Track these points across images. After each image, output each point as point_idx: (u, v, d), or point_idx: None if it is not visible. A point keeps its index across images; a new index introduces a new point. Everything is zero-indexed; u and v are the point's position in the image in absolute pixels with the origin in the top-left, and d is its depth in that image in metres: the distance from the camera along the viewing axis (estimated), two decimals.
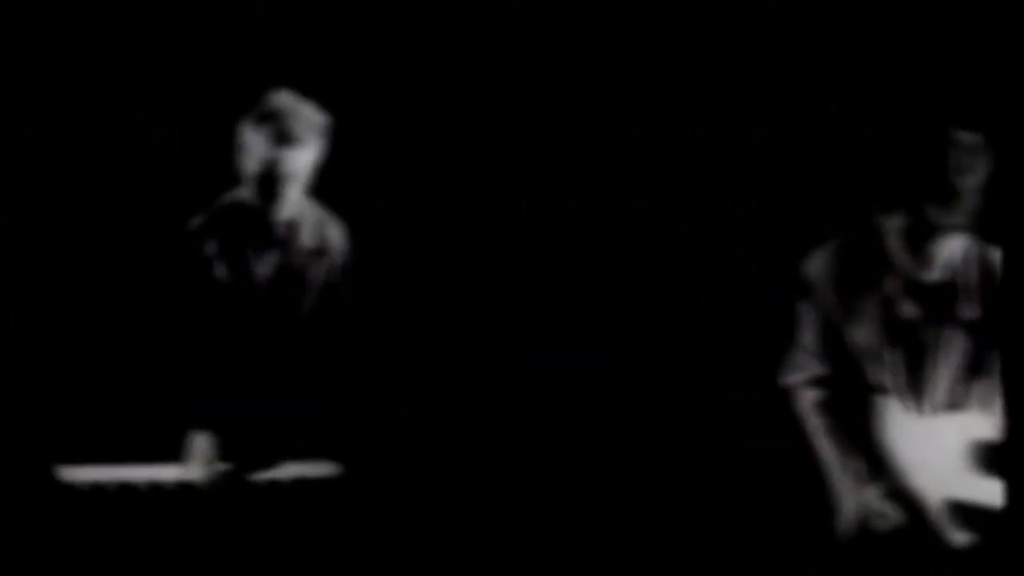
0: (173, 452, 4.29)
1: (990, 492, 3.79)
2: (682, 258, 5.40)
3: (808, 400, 4.03)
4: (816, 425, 4.01)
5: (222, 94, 5.23)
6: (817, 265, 4.02)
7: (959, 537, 3.84)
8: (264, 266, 4.39)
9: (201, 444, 4.29)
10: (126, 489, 4.10)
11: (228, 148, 5.24)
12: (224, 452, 4.29)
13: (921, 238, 3.87)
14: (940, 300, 3.90)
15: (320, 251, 4.43)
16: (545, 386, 5.29)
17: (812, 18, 5.35)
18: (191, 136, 5.24)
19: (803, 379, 4.04)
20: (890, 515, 3.89)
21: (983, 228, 3.98)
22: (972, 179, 3.88)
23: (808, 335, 4.03)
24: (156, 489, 4.12)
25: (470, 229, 5.18)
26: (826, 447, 4.00)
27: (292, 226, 4.40)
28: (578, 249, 5.40)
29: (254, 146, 4.31)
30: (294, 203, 4.37)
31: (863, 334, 3.94)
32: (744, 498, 5.20)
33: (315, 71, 4.97)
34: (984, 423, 3.92)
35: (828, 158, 5.37)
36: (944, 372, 3.89)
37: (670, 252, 5.39)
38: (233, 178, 5.21)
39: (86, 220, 5.20)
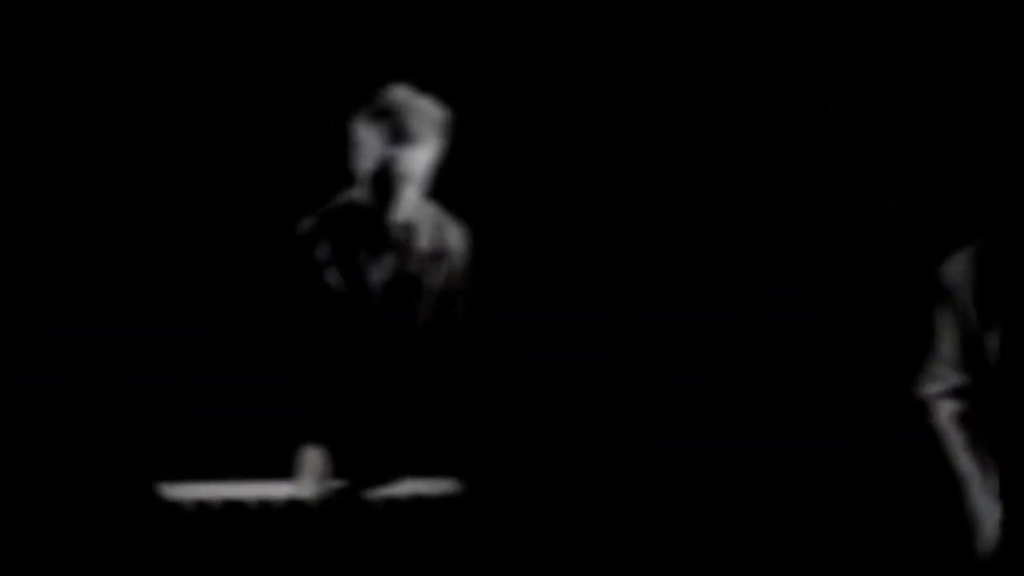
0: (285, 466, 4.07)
1: None
2: (682, 258, 5.39)
3: (947, 412, 3.79)
4: (955, 439, 3.78)
5: (220, 92, 5.24)
6: (955, 271, 3.76)
7: None
8: (379, 271, 4.16)
9: (313, 459, 4.04)
10: (233, 507, 3.79)
11: (229, 147, 5.26)
12: (337, 468, 4.04)
13: None
14: None
15: (439, 255, 4.20)
16: (545, 386, 5.29)
17: (812, 18, 5.35)
18: (191, 134, 5.25)
19: (941, 390, 3.81)
20: None
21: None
22: None
23: (946, 344, 3.79)
24: (265, 507, 3.81)
25: (470, 229, 5.16)
26: (965, 462, 3.76)
27: (409, 229, 4.16)
28: (578, 249, 5.40)
29: (369, 144, 4.08)
30: (411, 204, 4.13)
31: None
32: (745, 498, 5.21)
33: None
34: None
35: (828, 158, 5.37)
36: None
37: (670, 252, 5.39)
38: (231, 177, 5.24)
39: (87, 220, 5.20)
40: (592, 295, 5.40)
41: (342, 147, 5.21)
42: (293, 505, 3.86)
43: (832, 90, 5.34)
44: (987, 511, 3.73)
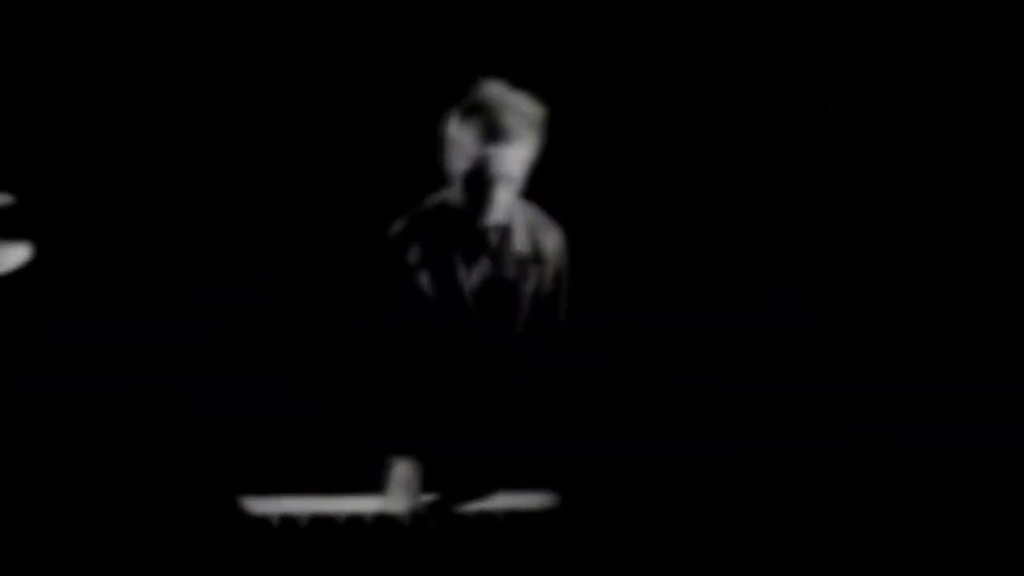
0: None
1: None
2: (682, 258, 5.39)
3: None
4: None
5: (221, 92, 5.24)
6: None
7: None
8: (473, 276, 3.98)
9: (403, 472, 3.91)
10: (320, 522, 3.67)
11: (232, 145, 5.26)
12: (429, 481, 3.92)
13: None
14: None
15: (535, 259, 4.03)
16: (545, 386, 5.28)
17: (812, 18, 5.35)
18: (192, 134, 5.24)
19: None
20: None
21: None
22: None
23: None
24: (354, 522, 3.69)
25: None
26: None
27: (504, 231, 3.99)
28: (578, 249, 5.39)
29: (461, 143, 3.86)
30: (506, 205, 3.93)
31: None
32: (745, 498, 5.20)
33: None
34: None
35: (828, 158, 5.37)
36: None
37: (670, 252, 5.39)
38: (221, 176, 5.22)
39: (87, 220, 5.20)
40: (592, 295, 5.39)
41: (338, 146, 5.21)
42: (382, 520, 3.72)
43: (832, 90, 5.34)
44: None
